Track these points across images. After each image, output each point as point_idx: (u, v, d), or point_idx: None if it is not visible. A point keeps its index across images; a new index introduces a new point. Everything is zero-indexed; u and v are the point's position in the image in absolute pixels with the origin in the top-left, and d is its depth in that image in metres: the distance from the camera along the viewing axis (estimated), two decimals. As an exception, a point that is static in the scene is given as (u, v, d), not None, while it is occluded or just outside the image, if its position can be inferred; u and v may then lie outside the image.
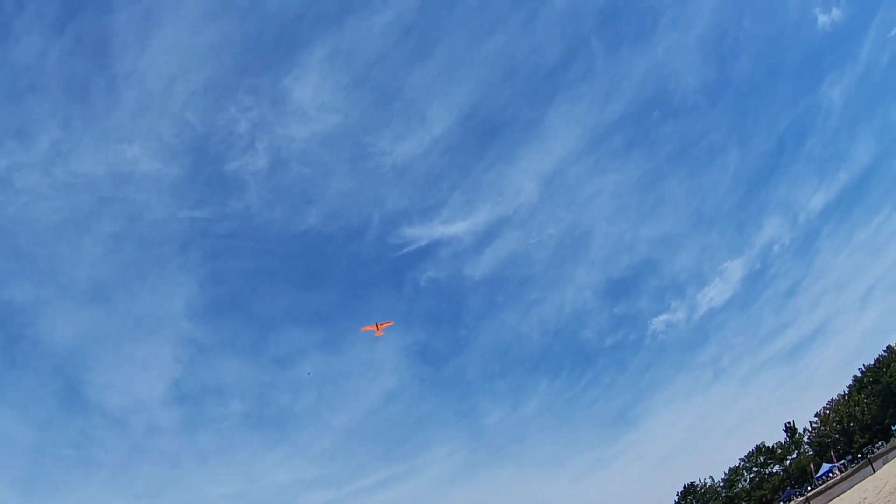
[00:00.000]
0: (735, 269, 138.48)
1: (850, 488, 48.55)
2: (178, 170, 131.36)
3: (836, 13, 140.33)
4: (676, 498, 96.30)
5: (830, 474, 72.56)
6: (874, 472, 49.13)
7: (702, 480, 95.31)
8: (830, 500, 50.54)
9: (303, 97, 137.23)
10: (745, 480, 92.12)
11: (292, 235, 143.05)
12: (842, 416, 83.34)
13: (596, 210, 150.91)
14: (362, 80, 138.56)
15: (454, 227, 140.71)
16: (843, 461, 76.02)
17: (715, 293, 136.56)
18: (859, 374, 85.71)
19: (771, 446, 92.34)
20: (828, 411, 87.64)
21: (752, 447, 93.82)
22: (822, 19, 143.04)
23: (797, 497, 70.84)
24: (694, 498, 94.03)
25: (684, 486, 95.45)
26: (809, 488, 72.06)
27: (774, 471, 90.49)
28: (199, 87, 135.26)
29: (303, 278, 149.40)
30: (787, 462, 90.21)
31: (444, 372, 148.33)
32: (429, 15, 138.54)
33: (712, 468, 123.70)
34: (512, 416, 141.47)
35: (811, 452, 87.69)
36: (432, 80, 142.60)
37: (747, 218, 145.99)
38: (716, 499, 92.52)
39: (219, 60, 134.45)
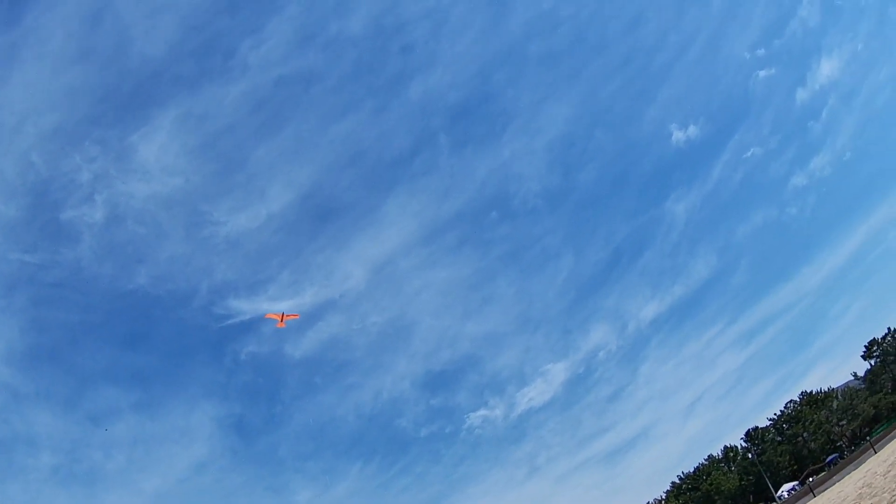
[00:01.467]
0: (558, 372, 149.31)
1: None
2: (15, 210, 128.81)
3: (692, 131, 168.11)
4: None
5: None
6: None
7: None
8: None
9: (148, 156, 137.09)
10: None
11: (120, 293, 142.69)
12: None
13: (422, 303, 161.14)
14: (209, 147, 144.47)
15: (280, 304, 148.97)
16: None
17: (535, 393, 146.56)
18: (678, 481, 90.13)
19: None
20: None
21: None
22: (678, 136, 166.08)
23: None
24: None
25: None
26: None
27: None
28: (49, 129, 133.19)
29: (125, 337, 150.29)
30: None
31: (257, 446, 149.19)
32: (283, 92, 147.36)
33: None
34: (322, 497, 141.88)
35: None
36: (277, 156, 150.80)
37: (575, 323, 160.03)
38: None
39: (72, 106, 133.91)
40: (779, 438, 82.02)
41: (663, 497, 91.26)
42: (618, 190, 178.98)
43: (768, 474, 76.48)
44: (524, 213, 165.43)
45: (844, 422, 75.84)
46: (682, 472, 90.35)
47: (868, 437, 66.80)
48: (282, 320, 61.26)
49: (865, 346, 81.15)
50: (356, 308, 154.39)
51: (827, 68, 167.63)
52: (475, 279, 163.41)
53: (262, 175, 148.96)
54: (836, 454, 73.49)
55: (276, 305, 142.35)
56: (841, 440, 76.47)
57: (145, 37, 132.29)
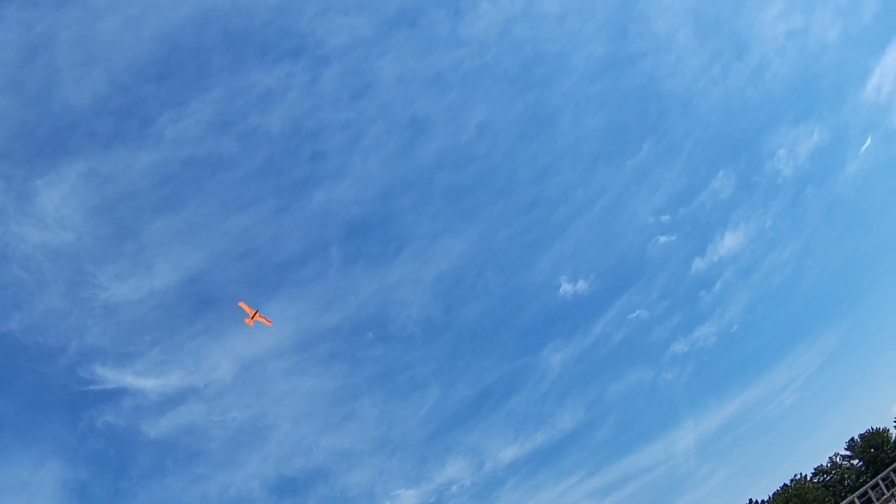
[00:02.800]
0: (408, 498, 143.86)
1: None
2: None
3: (581, 285, 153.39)
4: None
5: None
6: None
7: None
8: None
9: (48, 203, 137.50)
10: None
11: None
12: None
13: (285, 407, 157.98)
14: (107, 210, 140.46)
15: (144, 381, 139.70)
16: None
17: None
18: None
19: None
20: None
21: None
22: (566, 288, 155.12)
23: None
24: None
25: None
26: None
27: None
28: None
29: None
30: None
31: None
32: (191, 172, 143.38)
33: None
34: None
35: None
36: (172, 234, 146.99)
37: (432, 453, 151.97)
38: None
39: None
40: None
41: None
42: (497, 332, 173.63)
43: None
44: (400, 339, 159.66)
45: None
46: None
47: None
48: (253, 317, 60.23)
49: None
50: (219, 400, 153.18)
51: (730, 241, 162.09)
52: (340, 394, 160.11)
53: (153, 250, 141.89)
54: None
55: (140, 381, 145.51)
56: None
57: (73, 84, 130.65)
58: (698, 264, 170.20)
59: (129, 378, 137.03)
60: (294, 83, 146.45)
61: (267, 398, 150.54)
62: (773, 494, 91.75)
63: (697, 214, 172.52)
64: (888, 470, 68.23)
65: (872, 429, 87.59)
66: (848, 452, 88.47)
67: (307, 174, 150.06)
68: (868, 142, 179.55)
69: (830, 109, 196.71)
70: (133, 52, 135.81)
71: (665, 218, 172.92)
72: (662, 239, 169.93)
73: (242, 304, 60.58)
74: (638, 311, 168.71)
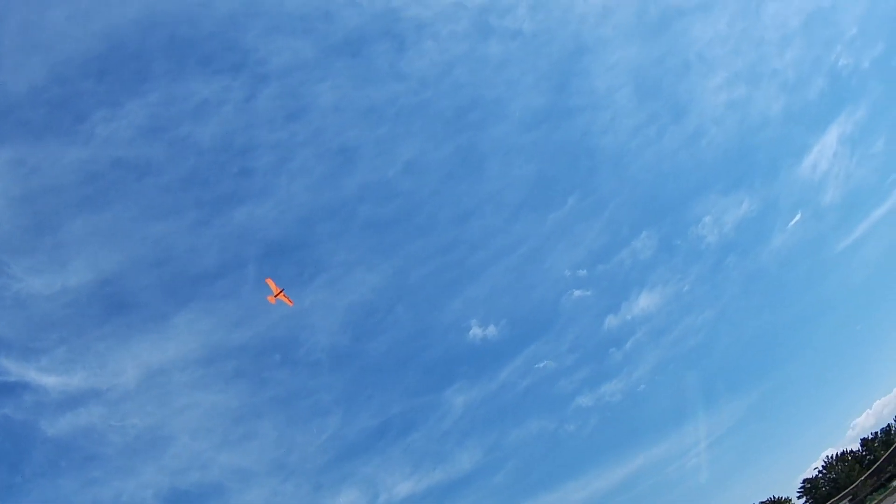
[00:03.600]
0: None
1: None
2: None
3: (491, 330, 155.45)
4: None
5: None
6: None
7: None
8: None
9: None
10: None
11: None
12: None
13: (185, 420, 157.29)
14: (29, 201, 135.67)
15: (47, 378, 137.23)
16: None
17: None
18: None
19: None
20: None
21: None
22: (476, 332, 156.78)
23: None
24: None
25: None
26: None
27: None
28: None
29: None
30: None
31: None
32: (118, 173, 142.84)
33: None
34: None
35: None
36: (90, 234, 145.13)
37: (327, 481, 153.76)
38: None
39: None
40: None
41: None
42: (403, 367, 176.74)
43: None
44: (306, 364, 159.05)
45: None
46: None
47: None
48: (277, 295, 60.64)
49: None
50: (120, 405, 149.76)
51: (645, 301, 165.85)
52: (241, 413, 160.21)
53: (71, 247, 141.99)
54: None
55: (43, 378, 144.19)
56: None
57: (12, 70, 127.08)
58: (611, 321, 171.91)
59: (32, 373, 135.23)
60: (231, 97, 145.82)
61: (168, 409, 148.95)
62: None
63: (615, 272, 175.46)
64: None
65: (774, 497, 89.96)
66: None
67: (232, 190, 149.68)
68: (797, 217, 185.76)
69: (763, 182, 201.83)
70: (76, 45, 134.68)
71: (582, 273, 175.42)
72: (577, 293, 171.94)
73: (269, 281, 59.70)
74: (546, 362, 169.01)
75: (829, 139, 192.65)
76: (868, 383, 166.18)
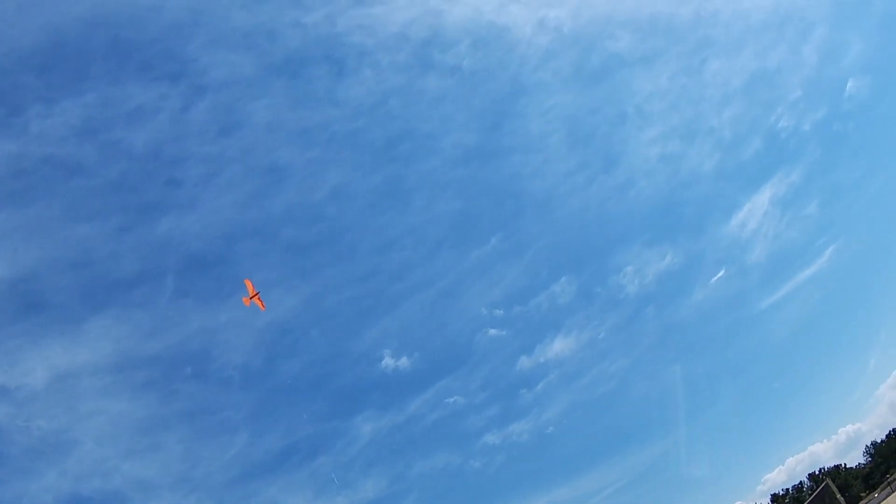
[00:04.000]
0: None
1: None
2: None
3: (404, 362, 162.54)
4: None
5: None
6: None
7: None
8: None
9: None
10: None
11: None
12: None
13: (91, 426, 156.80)
14: None
15: None
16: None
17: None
18: None
19: None
20: None
21: None
22: (388, 362, 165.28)
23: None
24: None
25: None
26: None
27: None
28: None
29: None
30: None
31: None
32: (46, 171, 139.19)
33: None
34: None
35: None
36: (12, 229, 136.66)
37: (230, 499, 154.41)
38: None
39: None
40: None
41: None
42: (313, 391, 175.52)
43: None
44: (217, 381, 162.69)
45: None
46: None
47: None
48: (252, 298, 59.25)
49: None
50: (27, 406, 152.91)
51: (560, 346, 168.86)
52: (149, 423, 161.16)
53: None
54: None
55: None
56: None
57: None
58: (524, 362, 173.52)
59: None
60: (166, 106, 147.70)
61: (75, 413, 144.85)
62: None
63: (532, 314, 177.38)
64: None
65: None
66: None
67: (158, 199, 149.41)
68: (721, 273, 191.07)
69: (688, 236, 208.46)
70: (20, 38, 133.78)
71: (499, 312, 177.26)
72: (492, 332, 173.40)
73: (247, 282, 58.35)
74: (456, 397, 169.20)
75: (761, 199, 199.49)
76: (782, 440, 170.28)
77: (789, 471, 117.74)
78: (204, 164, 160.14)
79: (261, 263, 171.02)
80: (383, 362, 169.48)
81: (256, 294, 58.85)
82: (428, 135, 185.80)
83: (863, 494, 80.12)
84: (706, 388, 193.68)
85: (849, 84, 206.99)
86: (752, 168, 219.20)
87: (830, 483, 48.12)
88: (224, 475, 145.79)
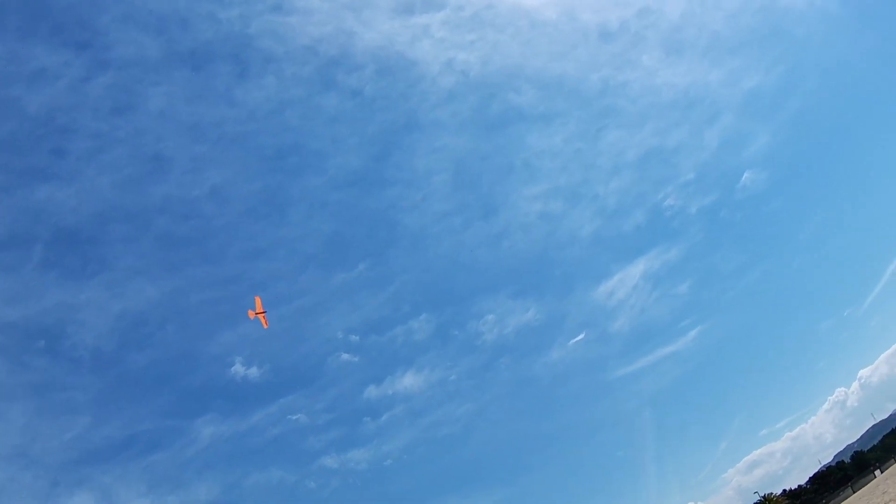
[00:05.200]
0: None
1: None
2: None
3: (253, 372, 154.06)
4: None
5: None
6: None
7: None
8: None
9: None
10: None
11: None
12: None
13: None
14: None
15: None
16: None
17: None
18: None
19: None
20: None
21: None
22: (238, 370, 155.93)
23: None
24: None
25: None
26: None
27: None
28: None
29: None
30: None
31: None
32: None
33: None
34: None
35: None
36: None
37: (65, 481, 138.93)
38: None
39: None
40: None
41: None
42: (160, 386, 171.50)
43: None
44: (68, 359, 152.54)
45: None
46: None
47: None
48: (257, 314, 60.92)
49: None
50: None
51: (410, 381, 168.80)
52: None
53: None
54: None
55: None
56: None
57: None
58: (372, 391, 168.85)
59: None
60: (68, 73, 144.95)
61: None
62: None
63: (386, 346, 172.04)
64: None
65: None
66: None
67: (42, 165, 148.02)
68: (581, 336, 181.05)
69: (555, 296, 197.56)
70: None
71: (354, 338, 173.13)
72: (345, 356, 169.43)
73: (258, 300, 61.49)
74: (299, 415, 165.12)
75: (633, 271, 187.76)
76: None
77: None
78: (92, 139, 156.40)
79: (130, 249, 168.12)
80: (233, 368, 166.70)
81: (263, 312, 60.57)
82: (316, 152, 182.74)
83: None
84: (551, 447, 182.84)
85: (745, 175, 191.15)
86: (630, 240, 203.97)
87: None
88: (62, 455, 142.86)
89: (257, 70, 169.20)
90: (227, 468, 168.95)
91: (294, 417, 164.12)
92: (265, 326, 63.90)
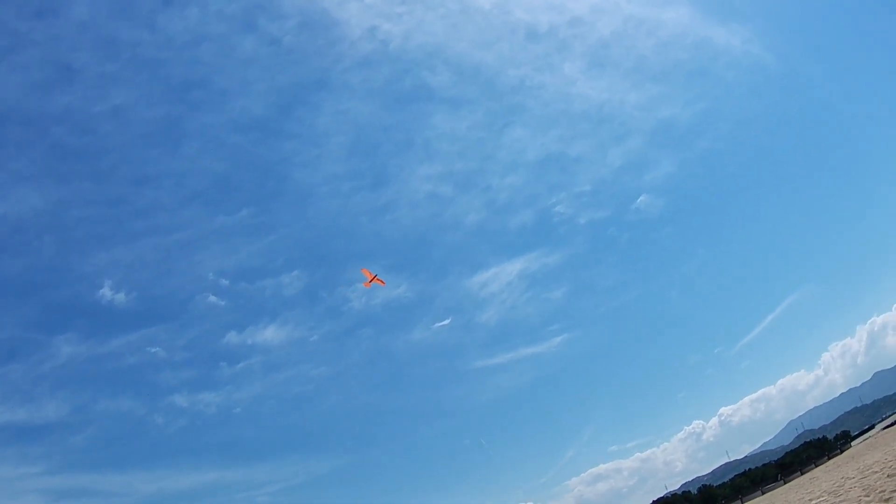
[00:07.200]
0: None
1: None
2: None
3: (120, 298, 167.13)
4: None
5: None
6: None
7: None
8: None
9: None
10: None
11: None
12: None
13: None
14: None
15: None
16: None
17: None
18: None
19: None
20: None
21: None
22: (105, 293, 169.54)
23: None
24: None
25: None
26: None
27: None
28: None
29: None
30: None
31: None
32: None
33: None
34: None
35: None
36: None
37: None
38: None
39: None
40: None
41: None
42: (26, 295, 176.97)
43: None
44: None
45: None
46: None
47: None
48: (370, 281, 62.16)
49: None
50: None
51: (271, 334, 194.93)
52: None
53: None
54: None
55: None
56: None
57: None
58: (232, 337, 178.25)
59: None
60: None
61: None
62: None
63: (254, 295, 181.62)
64: None
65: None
66: None
67: None
68: (447, 322, 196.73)
69: (429, 276, 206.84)
70: None
71: (224, 282, 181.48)
72: (212, 298, 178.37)
73: (365, 271, 61.64)
74: (158, 349, 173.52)
75: (511, 268, 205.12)
76: (461, 491, 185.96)
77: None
78: (7, 37, 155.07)
79: (22, 153, 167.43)
80: (101, 291, 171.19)
81: (374, 276, 61.64)
82: (223, 90, 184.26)
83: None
84: (399, 422, 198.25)
85: (640, 198, 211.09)
86: (513, 237, 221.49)
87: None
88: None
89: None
90: (79, 389, 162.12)
91: (152, 350, 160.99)
92: (383, 284, 65.29)
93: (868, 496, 22.28)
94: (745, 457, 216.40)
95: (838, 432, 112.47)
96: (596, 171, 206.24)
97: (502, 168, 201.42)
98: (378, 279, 62.40)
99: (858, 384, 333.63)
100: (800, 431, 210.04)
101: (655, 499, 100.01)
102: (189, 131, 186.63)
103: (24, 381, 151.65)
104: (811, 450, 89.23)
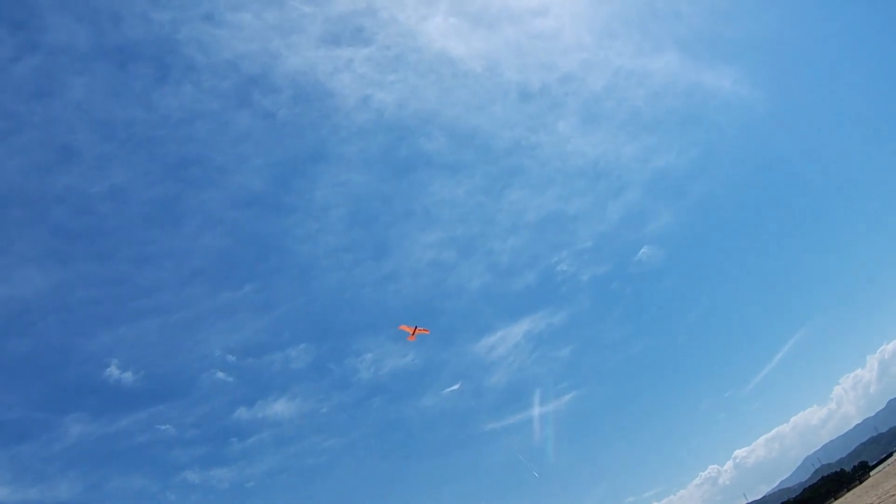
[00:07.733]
0: None
1: None
2: None
3: (128, 377, 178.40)
4: None
5: None
6: None
7: None
8: None
9: None
10: None
11: None
12: None
13: None
14: None
15: None
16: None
17: None
18: None
19: None
20: None
21: None
22: (112, 371, 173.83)
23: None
24: None
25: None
26: None
27: None
28: None
29: None
30: None
31: None
32: None
33: None
34: None
35: None
36: None
37: None
38: None
39: None
40: None
41: None
42: (34, 376, 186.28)
43: None
44: None
45: None
46: None
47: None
48: (413, 334, 63.78)
49: None
50: None
51: (281, 408, 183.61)
52: None
53: None
54: None
55: None
56: None
57: None
58: (242, 413, 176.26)
59: None
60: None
61: None
62: None
63: (262, 370, 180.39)
64: None
65: None
66: None
67: None
68: (456, 386, 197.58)
69: (436, 343, 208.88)
70: None
71: (231, 358, 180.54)
72: (220, 375, 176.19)
73: (404, 328, 63.04)
74: (168, 426, 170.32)
75: (517, 330, 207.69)
76: None
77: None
78: (7, 119, 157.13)
79: (24, 234, 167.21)
80: (108, 370, 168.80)
81: (416, 329, 62.68)
82: (220, 167, 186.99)
83: None
84: (412, 489, 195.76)
85: (642, 250, 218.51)
86: (518, 299, 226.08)
87: None
88: None
89: (177, 76, 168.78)
90: (91, 469, 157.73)
91: (162, 427, 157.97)
92: (427, 332, 65.59)
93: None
94: (764, 496, 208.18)
95: (856, 463, 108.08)
96: (596, 227, 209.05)
97: (503, 231, 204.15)
98: (421, 329, 63.04)
99: (873, 413, 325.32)
100: (817, 466, 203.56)
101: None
102: (188, 209, 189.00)
103: (36, 460, 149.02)
104: (830, 484, 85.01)
